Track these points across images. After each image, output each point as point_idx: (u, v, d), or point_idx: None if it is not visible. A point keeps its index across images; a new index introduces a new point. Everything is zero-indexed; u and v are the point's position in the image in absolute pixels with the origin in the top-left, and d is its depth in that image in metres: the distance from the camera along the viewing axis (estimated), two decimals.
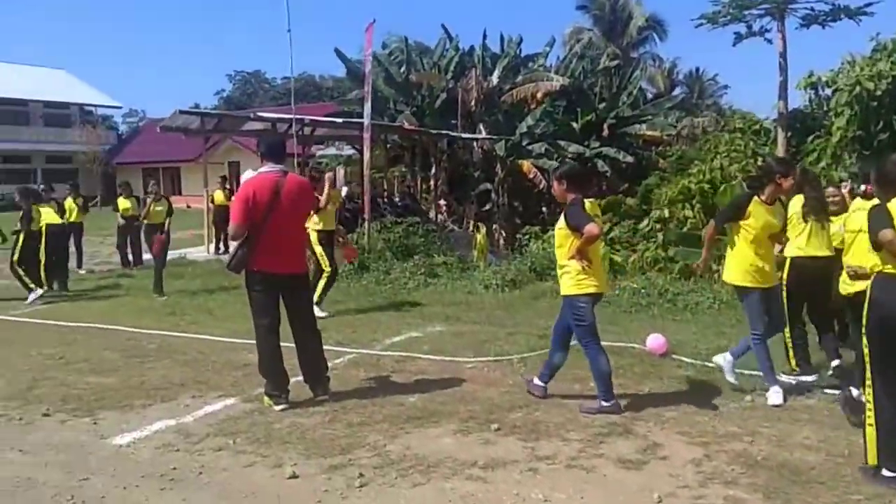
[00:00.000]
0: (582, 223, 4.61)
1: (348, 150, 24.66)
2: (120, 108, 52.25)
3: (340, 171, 23.44)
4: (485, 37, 23.26)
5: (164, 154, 39.73)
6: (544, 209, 21.31)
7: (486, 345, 6.78)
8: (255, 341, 6.81)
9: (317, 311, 7.80)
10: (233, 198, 5.17)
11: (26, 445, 4.37)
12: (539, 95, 23.62)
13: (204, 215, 15.20)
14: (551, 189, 5.42)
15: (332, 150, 25.95)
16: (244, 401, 5.20)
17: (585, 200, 4.80)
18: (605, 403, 4.77)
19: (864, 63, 12.31)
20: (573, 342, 5.09)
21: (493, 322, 7.92)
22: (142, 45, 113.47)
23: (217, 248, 14.79)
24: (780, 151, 13.27)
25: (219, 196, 15.22)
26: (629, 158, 21.33)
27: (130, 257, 12.38)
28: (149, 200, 9.57)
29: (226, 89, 73.24)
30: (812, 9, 13.66)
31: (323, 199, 7.97)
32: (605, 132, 22.38)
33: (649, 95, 32.46)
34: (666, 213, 12.39)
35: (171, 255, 14.28)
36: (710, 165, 13.23)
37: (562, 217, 4.83)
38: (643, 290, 8.81)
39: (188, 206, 34.85)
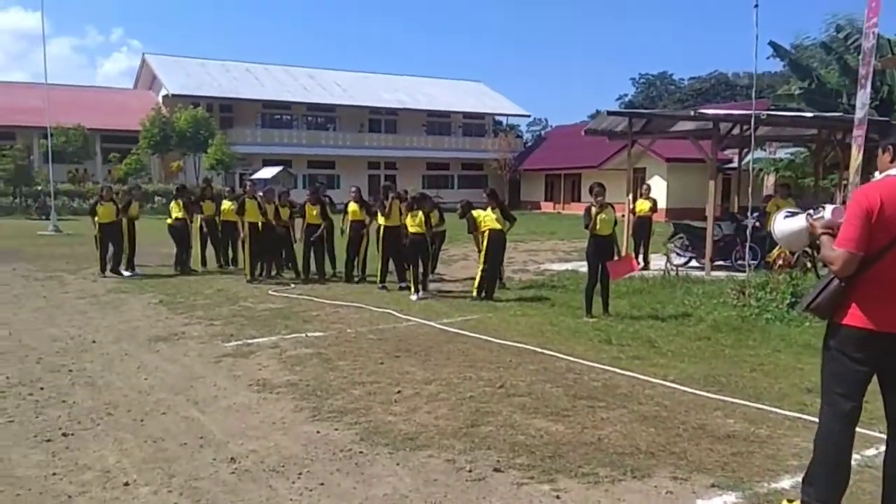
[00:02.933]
0: None
1: (781, 154, 21.43)
2: (528, 116, 55.68)
3: (770, 179, 20.47)
4: None
5: (566, 161, 40.83)
6: None
7: None
8: (731, 398, 5.35)
9: None
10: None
11: None
12: None
13: (623, 226, 14.07)
14: None
15: (760, 154, 22.83)
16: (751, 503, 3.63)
17: None
18: None
19: None
20: None
21: None
22: (546, 55, 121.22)
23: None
24: None
25: (643, 205, 13.83)
26: None
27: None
28: (593, 210, 8.49)
29: (628, 94, 73.43)
30: None
31: None
32: None
33: None
34: None
35: (568, 266, 13.59)
36: None
37: None
38: None
39: None
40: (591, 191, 8.66)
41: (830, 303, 3.22)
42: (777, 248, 9.78)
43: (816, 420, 4.78)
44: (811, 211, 3.42)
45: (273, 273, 12.45)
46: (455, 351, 6.94)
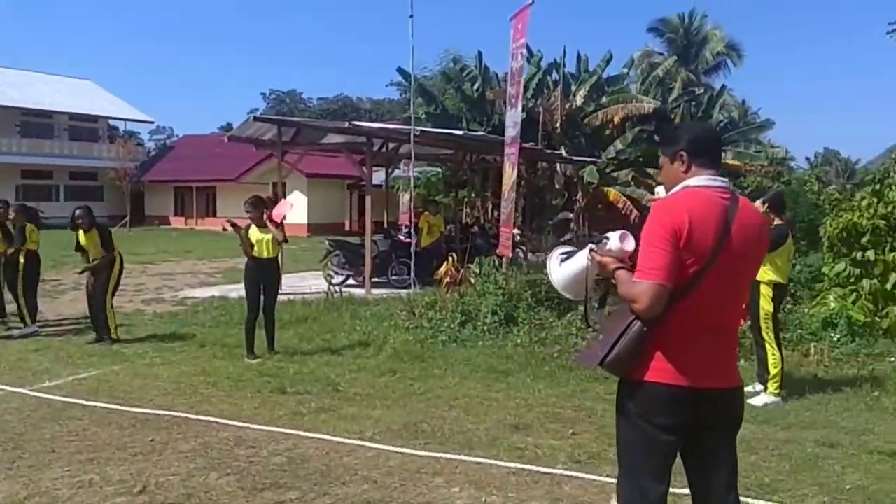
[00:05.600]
0: None
1: (414, 172, 22.39)
2: (152, 122, 50.35)
3: (405, 197, 21.03)
4: (564, 54, 21.32)
5: (198, 173, 37.65)
6: None
7: None
8: (444, 454, 4.44)
9: None
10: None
11: None
12: (616, 119, 21.66)
13: None
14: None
15: (397, 172, 23.81)
16: None
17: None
18: None
19: None
20: None
21: None
22: (167, 56, 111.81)
23: None
24: None
25: None
26: None
27: None
28: (250, 229, 6.92)
29: (259, 108, 71.93)
30: None
31: None
32: None
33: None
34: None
35: (214, 291, 11.72)
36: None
37: None
38: None
39: (224, 229, 32.59)
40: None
41: (627, 356, 2.37)
42: (445, 265, 9.46)
43: (528, 468, 4.15)
44: (591, 245, 2.58)
45: None
46: (65, 435, 4.78)
